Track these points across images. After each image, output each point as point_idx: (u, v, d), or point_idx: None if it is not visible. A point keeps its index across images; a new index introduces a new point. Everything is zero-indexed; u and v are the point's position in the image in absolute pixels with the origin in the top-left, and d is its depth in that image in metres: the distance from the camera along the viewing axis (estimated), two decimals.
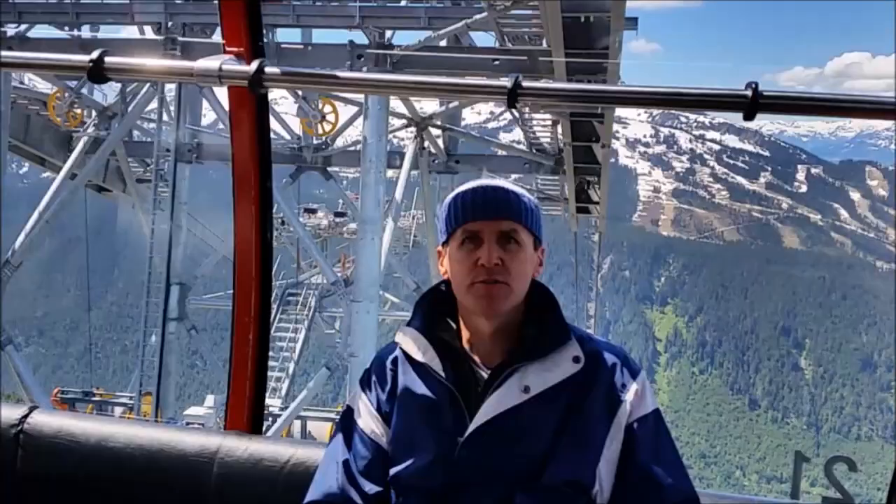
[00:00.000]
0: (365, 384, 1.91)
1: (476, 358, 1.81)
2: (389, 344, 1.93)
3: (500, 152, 25.01)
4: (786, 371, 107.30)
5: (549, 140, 20.90)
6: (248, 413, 2.38)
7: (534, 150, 21.19)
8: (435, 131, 21.58)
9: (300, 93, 17.03)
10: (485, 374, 1.78)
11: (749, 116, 1.82)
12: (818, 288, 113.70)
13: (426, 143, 20.77)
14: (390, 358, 1.88)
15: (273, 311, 18.22)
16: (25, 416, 2.44)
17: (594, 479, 1.73)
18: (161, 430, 2.43)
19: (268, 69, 2.02)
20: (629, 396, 1.77)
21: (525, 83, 1.91)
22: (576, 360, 1.76)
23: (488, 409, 1.72)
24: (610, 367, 1.79)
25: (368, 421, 1.86)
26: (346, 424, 1.91)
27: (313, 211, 27.76)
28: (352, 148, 20.72)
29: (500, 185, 1.82)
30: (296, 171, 21.61)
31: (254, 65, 2.02)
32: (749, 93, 1.79)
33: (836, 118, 1.89)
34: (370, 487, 1.82)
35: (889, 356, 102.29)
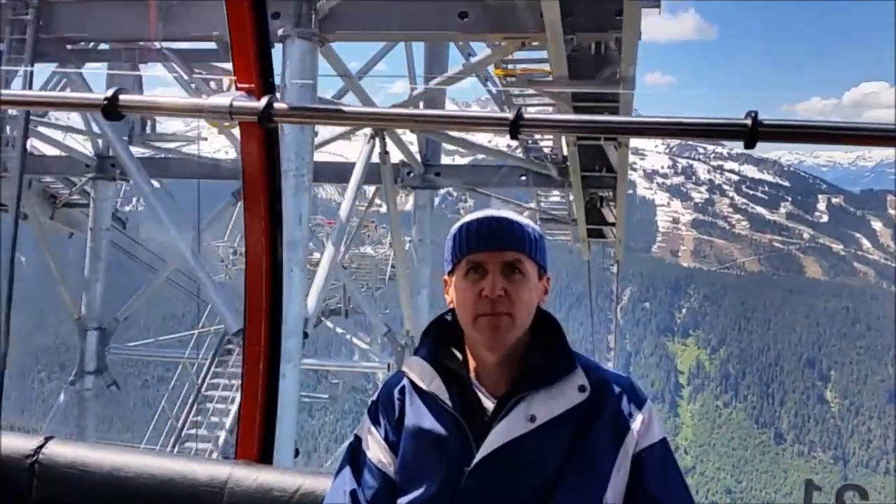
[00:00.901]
0: (373, 414, 1.93)
1: (482, 387, 1.82)
2: (397, 373, 1.95)
3: (491, 160, 21.21)
4: (811, 404, 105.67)
5: (550, 147, 17.51)
6: (258, 443, 2.41)
7: (532, 158, 17.64)
8: (408, 136, 18.16)
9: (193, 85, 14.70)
10: (491, 403, 1.79)
11: (749, 145, 1.85)
12: (842, 318, 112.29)
13: (391, 150, 16.55)
14: (397, 387, 1.90)
15: (207, 363, 15.84)
16: (41, 447, 2.48)
17: None
18: (172, 460, 2.47)
19: (276, 105, 2.07)
20: (636, 425, 1.77)
21: (527, 114, 1.95)
22: (581, 389, 1.77)
23: (494, 439, 1.73)
24: (616, 396, 1.79)
25: (376, 450, 1.88)
26: (355, 454, 1.93)
27: None
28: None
29: (504, 215, 1.85)
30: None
31: (263, 101, 2.08)
32: (749, 121, 1.82)
33: (838, 146, 1.89)
34: None
35: None
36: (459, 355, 1.87)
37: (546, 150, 17.77)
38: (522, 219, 1.85)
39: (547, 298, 1.88)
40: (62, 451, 2.49)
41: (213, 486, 2.32)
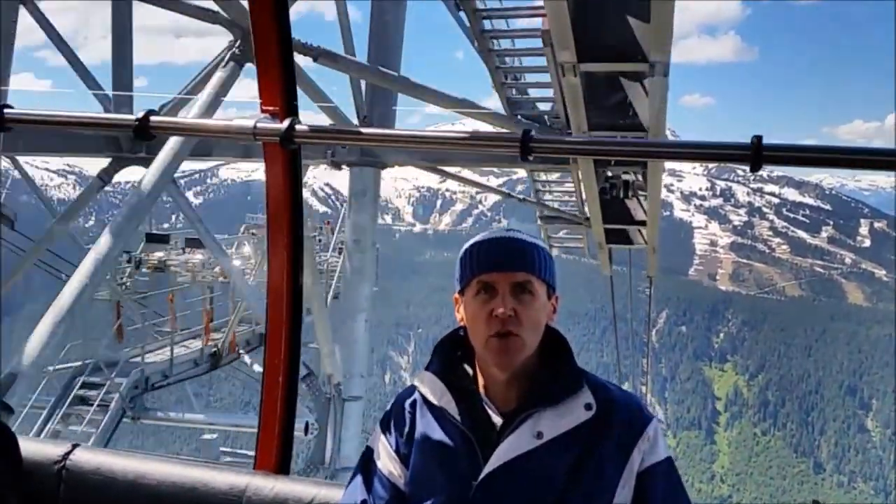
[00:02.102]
0: (384, 426, 1.99)
1: (492, 403, 1.87)
2: (409, 387, 2.00)
3: (462, 126, 14.29)
4: (852, 433, 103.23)
5: (547, 97, 11.81)
6: (276, 453, 2.48)
7: (519, 117, 12.07)
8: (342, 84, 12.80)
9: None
10: (500, 419, 1.84)
11: (755, 168, 1.90)
12: (884, 346, 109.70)
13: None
14: (408, 401, 1.95)
15: (45, 412, 11.24)
16: (68, 453, 2.59)
17: None
18: (194, 469, 2.56)
19: (298, 126, 2.16)
20: (642, 443, 1.80)
21: (537, 136, 2.01)
22: (588, 406, 1.81)
23: (501, 455, 1.78)
24: (623, 415, 1.83)
25: (387, 462, 1.93)
26: (366, 465, 1.99)
27: (162, 239, 15.71)
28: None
29: (514, 235, 1.90)
30: (111, 164, 14.12)
31: (286, 123, 2.17)
32: (754, 145, 1.86)
33: (842, 169, 1.90)
34: None
35: None
36: (470, 371, 1.92)
37: (541, 107, 12.45)
38: (532, 238, 1.91)
39: (555, 318, 1.92)
40: (88, 457, 2.59)
41: (232, 494, 2.41)
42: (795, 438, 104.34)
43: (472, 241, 1.93)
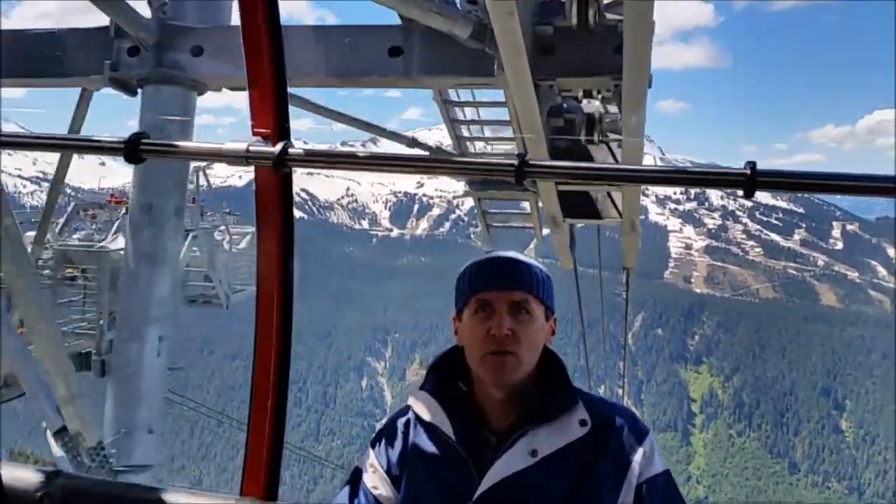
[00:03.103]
0: (375, 446, 1.97)
1: (487, 421, 1.86)
2: (403, 407, 1.99)
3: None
4: (826, 433, 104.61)
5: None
6: (264, 479, 2.44)
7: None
8: None
9: None
10: (494, 438, 1.83)
11: (748, 195, 1.91)
12: (858, 347, 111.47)
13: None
14: (402, 420, 1.93)
15: None
16: (50, 480, 2.52)
17: None
18: (179, 495, 2.50)
19: (291, 150, 2.15)
20: (638, 457, 1.80)
21: (532, 160, 2.02)
22: (582, 423, 1.80)
23: (496, 473, 1.76)
24: (618, 430, 1.82)
25: (375, 481, 1.90)
26: (353, 483, 1.96)
27: None
28: None
29: (512, 256, 1.90)
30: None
31: (279, 146, 2.15)
32: (748, 171, 1.88)
33: (834, 194, 1.92)
34: None
35: None
36: (465, 389, 1.92)
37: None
38: (530, 260, 1.90)
39: (553, 339, 1.92)
40: (72, 485, 2.52)
41: None
42: (770, 439, 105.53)
43: (470, 262, 1.93)
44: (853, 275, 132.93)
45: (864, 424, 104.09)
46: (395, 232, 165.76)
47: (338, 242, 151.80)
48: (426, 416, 1.88)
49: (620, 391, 21.53)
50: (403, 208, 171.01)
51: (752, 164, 1.93)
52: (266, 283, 2.41)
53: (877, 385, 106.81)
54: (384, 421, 2.02)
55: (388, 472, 1.91)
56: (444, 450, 1.83)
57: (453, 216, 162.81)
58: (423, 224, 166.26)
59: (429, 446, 1.86)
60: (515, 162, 2.06)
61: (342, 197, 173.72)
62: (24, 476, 2.58)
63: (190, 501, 2.47)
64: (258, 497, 2.50)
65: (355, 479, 1.97)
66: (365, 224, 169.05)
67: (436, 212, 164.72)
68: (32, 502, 2.51)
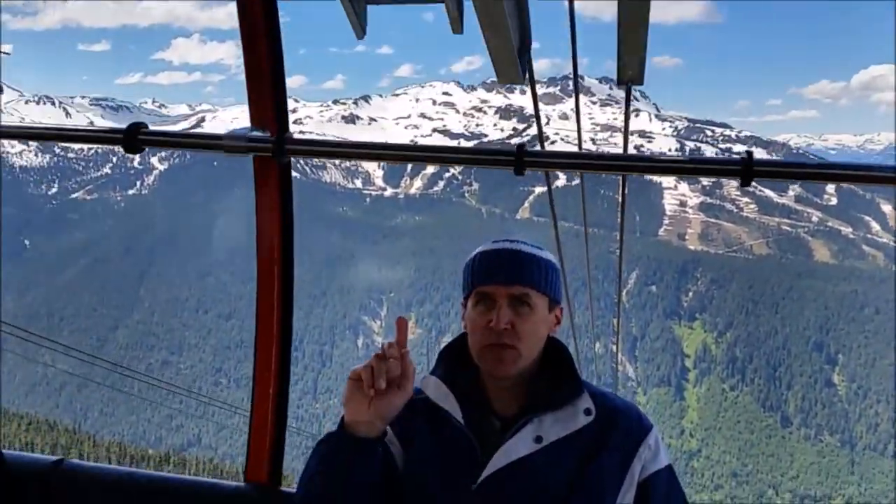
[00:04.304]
0: None
1: (494, 408, 1.88)
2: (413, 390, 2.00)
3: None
4: (819, 387, 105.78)
5: None
6: (267, 464, 2.47)
7: None
8: None
9: None
10: (500, 424, 1.86)
11: (745, 183, 1.94)
12: (850, 302, 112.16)
13: None
14: (415, 396, 1.96)
15: None
16: (55, 467, 2.54)
17: None
18: (184, 482, 2.53)
19: (291, 140, 2.16)
20: (643, 451, 1.82)
21: (530, 150, 2.03)
22: (588, 412, 1.82)
23: (500, 458, 1.79)
24: (623, 423, 1.85)
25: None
26: None
27: None
28: None
29: (517, 248, 1.88)
30: None
31: (278, 135, 2.16)
32: (744, 161, 1.91)
33: (835, 183, 1.91)
34: None
35: None
36: (473, 376, 1.95)
37: None
38: (536, 250, 1.89)
39: (558, 329, 1.94)
40: (76, 471, 2.54)
41: None
42: (763, 393, 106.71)
43: (476, 251, 1.93)
44: (847, 230, 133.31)
45: (856, 378, 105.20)
46: (389, 191, 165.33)
47: (331, 202, 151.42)
48: (436, 400, 1.90)
49: (615, 347, 21.63)
50: (397, 167, 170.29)
51: (748, 154, 1.97)
52: (266, 275, 2.42)
53: (869, 339, 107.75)
54: None
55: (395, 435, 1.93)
56: (452, 434, 1.85)
57: (447, 175, 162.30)
58: (417, 183, 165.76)
59: (436, 429, 1.88)
60: (515, 150, 2.09)
61: None
62: (29, 463, 2.61)
63: (195, 486, 2.51)
64: (263, 481, 2.54)
65: None
66: (358, 183, 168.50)
67: (429, 170, 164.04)
68: (37, 489, 2.54)
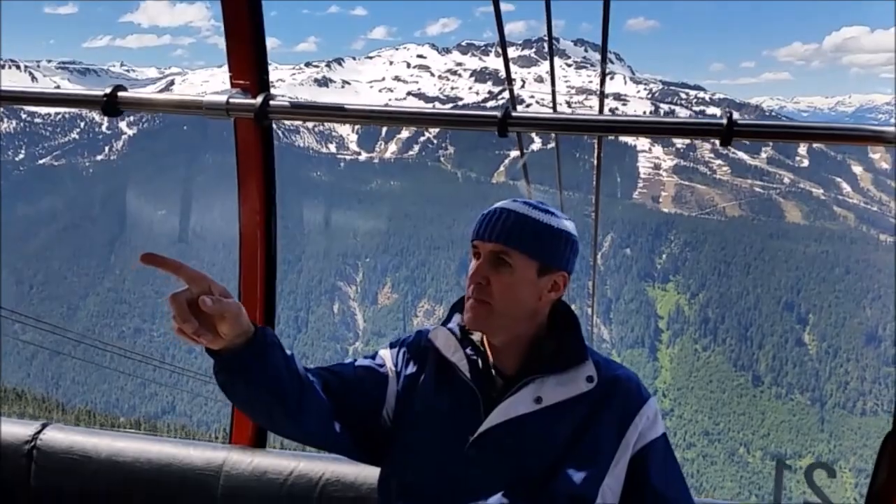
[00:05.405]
0: (396, 348, 2.03)
1: (499, 365, 1.93)
2: (423, 331, 2.03)
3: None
4: (789, 347, 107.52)
5: None
6: (252, 427, 2.49)
7: None
8: None
9: None
10: (502, 381, 1.91)
11: (725, 143, 1.97)
12: (821, 262, 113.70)
13: None
14: (422, 344, 2.00)
15: None
16: (38, 433, 2.54)
17: (597, 496, 1.82)
18: (169, 445, 2.53)
19: (272, 102, 2.14)
20: (640, 420, 1.87)
21: (515, 113, 2.04)
22: (589, 379, 1.87)
23: (499, 414, 1.83)
24: (622, 391, 1.89)
25: (387, 360, 1.99)
26: (370, 356, 2.04)
27: None
28: None
29: (514, 208, 1.89)
30: None
31: (259, 98, 2.14)
32: (724, 121, 1.93)
33: (821, 143, 1.96)
34: (326, 375, 1.97)
35: (893, 330, 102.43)
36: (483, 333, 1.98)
37: None
38: (543, 215, 1.89)
39: (558, 295, 1.93)
40: (60, 436, 2.53)
41: (209, 469, 2.41)
42: (735, 353, 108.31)
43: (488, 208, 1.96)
44: (818, 191, 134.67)
45: (826, 338, 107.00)
46: (364, 155, 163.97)
47: (305, 167, 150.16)
48: (445, 351, 1.94)
49: (590, 310, 21.81)
50: (371, 131, 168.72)
51: (729, 114, 2.00)
52: (249, 238, 2.42)
53: (840, 299, 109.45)
54: (404, 335, 2.08)
55: (396, 372, 1.98)
56: (457, 386, 1.90)
57: (422, 139, 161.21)
58: (392, 147, 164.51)
59: (442, 379, 1.93)
60: (499, 114, 2.09)
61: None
62: (11, 429, 2.60)
63: (180, 450, 2.53)
64: (248, 444, 2.57)
65: (371, 356, 2.05)
66: (332, 148, 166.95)
67: (404, 134, 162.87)
68: (22, 453, 2.54)
